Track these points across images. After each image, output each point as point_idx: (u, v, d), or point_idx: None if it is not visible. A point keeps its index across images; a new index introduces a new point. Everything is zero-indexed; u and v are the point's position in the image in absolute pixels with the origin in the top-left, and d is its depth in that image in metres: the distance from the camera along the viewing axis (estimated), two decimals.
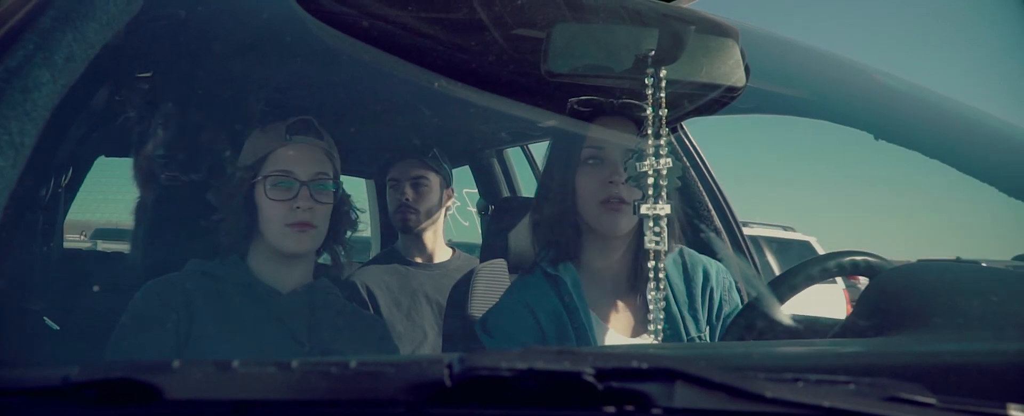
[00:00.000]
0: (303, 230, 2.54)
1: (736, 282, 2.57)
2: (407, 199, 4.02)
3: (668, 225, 2.30)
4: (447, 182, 4.14)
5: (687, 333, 2.50)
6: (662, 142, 1.77)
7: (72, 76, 1.59)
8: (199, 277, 2.55)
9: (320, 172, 2.58)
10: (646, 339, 2.47)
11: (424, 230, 4.09)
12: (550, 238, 2.59)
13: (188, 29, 2.54)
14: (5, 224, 1.43)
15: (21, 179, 1.47)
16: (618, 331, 2.49)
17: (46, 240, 3.80)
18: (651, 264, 1.85)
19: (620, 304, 2.54)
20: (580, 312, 2.47)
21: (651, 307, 2.44)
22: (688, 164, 3.66)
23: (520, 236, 2.95)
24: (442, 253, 4.18)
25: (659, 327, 2.43)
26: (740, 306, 2.52)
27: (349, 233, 2.73)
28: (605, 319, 2.52)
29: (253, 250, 2.62)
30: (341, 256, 2.80)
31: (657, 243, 1.82)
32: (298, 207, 2.52)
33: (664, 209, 1.78)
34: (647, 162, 1.77)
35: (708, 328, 2.53)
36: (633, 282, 2.54)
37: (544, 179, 2.67)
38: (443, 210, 4.14)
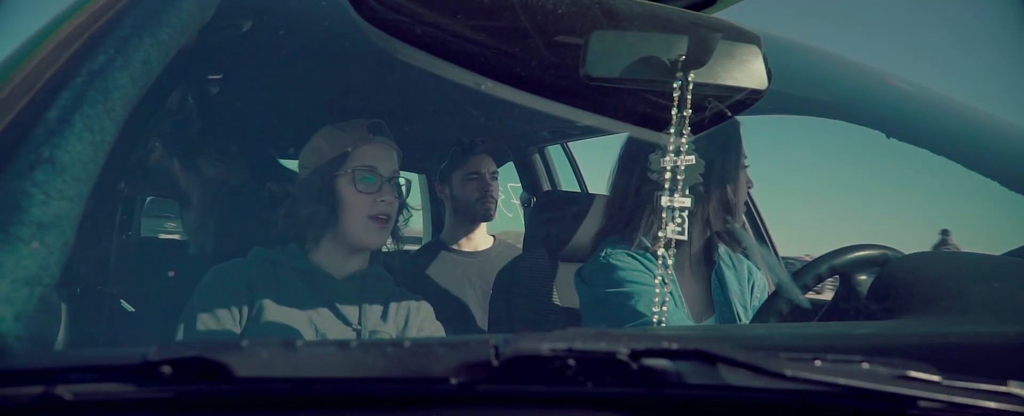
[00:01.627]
0: (384, 224, 2.57)
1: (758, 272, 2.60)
2: (490, 190, 4.10)
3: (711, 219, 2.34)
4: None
5: (741, 319, 2.57)
6: (683, 140, 1.77)
7: (149, 78, 1.60)
8: (261, 263, 2.57)
9: (396, 169, 2.61)
10: (708, 320, 2.52)
11: (494, 218, 4.16)
12: (635, 222, 2.61)
13: (254, 35, 2.55)
14: (87, 214, 1.44)
15: (102, 172, 1.49)
16: (690, 310, 2.53)
17: (124, 229, 3.83)
18: (661, 251, 1.85)
19: (686, 288, 2.57)
20: (672, 287, 2.50)
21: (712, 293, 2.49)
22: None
23: (588, 224, 2.98)
24: (486, 241, 4.21)
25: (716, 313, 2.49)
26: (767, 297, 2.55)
27: (403, 225, 2.75)
28: (679, 298, 2.56)
29: (312, 239, 2.64)
30: (395, 245, 2.82)
31: (679, 232, 1.82)
32: (382, 200, 2.55)
33: (684, 202, 1.78)
34: (670, 159, 1.78)
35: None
36: (701, 269, 2.58)
37: (624, 170, 2.70)
38: None
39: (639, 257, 2.57)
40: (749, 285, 2.66)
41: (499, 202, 4.29)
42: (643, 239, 2.59)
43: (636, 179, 2.61)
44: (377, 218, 2.56)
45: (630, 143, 2.75)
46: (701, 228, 2.59)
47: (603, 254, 2.61)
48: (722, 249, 2.66)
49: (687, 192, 1.80)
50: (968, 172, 2.16)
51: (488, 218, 4.17)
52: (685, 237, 1.85)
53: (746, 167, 2.59)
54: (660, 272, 2.50)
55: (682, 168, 1.78)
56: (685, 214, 1.83)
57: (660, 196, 1.80)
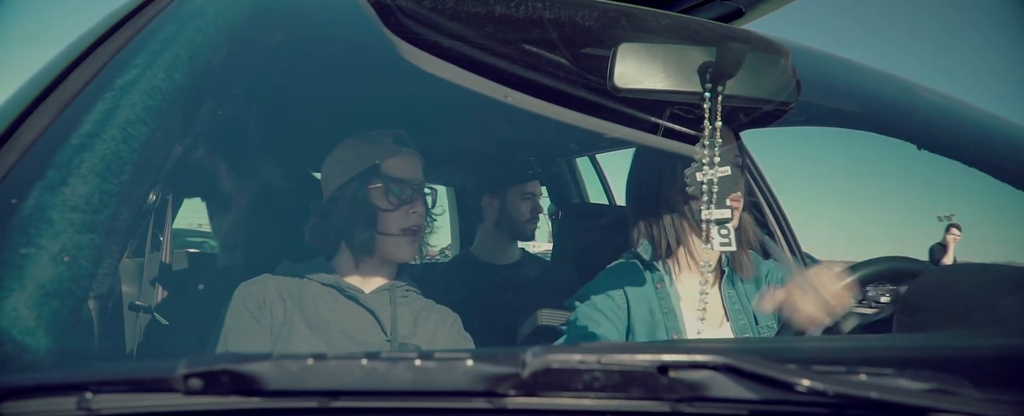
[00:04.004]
0: (416, 236, 2.58)
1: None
2: (540, 211, 4.18)
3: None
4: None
5: (758, 322, 2.55)
6: (716, 152, 1.77)
7: (180, 91, 1.61)
8: (289, 277, 2.57)
9: (422, 179, 2.62)
10: (722, 330, 2.50)
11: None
12: (649, 235, 2.62)
13: (285, 49, 2.56)
14: (118, 229, 1.45)
15: (132, 188, 1.49)
16: (697, 320, 2.51)
17: (155, 243, 3.85)
18: (708, 263, 1.85)
19: (699, 297, 2.55)
20: (670, 300, 2.50)
21: (725, 303, 2.47)
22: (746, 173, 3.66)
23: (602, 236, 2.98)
24: (515, 254, 4.22)
25: (731, 321, 2.48)
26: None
27: (428, 235, 2.75)
28: (689, 310, 2.54)
29: (339, 252, 2.64)
30: (420, 257, 2.83)
31: (726, 244, 1.81)
32: (414, 212, 2.56)
33: (724, 214, 1.77)
34: (704, 172, 1.77)
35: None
36: (712, 278, 2.56)
37: (636, 183, 2.71)
38: None
39: (628, 275, 2.59)
40: (767, 285, 2.63)
41: None
42: (650, 249, 2.60)
43: (649, 191, 2.62)
44: (410, 230, 2.56)
45: (639, 158, 2.77)
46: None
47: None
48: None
49: (726, 203, 1.80)
50: (999, 184, 2.14)
51: (530, 237, 4.21)
52: (734, 247, 1.84)
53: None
54: (702, 285, 2.51)
55: (718, 180, 1.78)
56: (729, 225, 1.82)
57: (700, 209, 1.79)
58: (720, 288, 2.58)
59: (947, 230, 10.98)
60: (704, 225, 1.82)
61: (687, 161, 2.39)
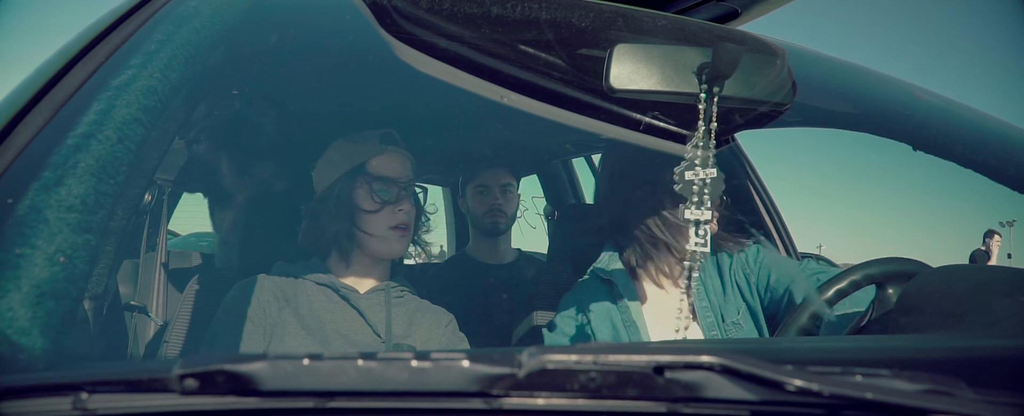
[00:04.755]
0: (404, 233, 2.59)
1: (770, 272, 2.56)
2: (498, 203, 4.09)
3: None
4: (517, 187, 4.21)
5: (723, 319, 2.54)
6: (709, 153, 1.77)
7: (176, 92, 1.61)
8: (284, 278, 2.58)
9: (411, 178, 2.63)
10: (689, 331, 2.50)
11: (504, 232, 4.15)
12: (613, 240, 2.63)
13: (281, 49, 2.56)
14: (114, 229, 1.45)
15: (127, 188, 1.49)
16: (663, 327, 2.51)
17: (151, 244, 3.85)
18: (687, 264, 1.84)
19: (665, 302, 2.56)
20: (630, 312, 2.51)
21: (689, 301, 2.48)
22: (742, 173, 3.66)
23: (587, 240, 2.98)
24: (510, 254, 4.22)
25: (698, 319, 2.49)
26: (771, 269, 2.56)
27: (423, 234, 2.76)
28: (653, 316, 2.55)
29: (334, 252, 2.65)
30: (416, 256, 2.84)
31: (701, 245, 1.81)
32: (400, 210, 2.56)
33: (707, 215, 1.77)
34: (695, 171, 1.77)
35: (745, 306, 2.57)
36: (677, 281, 2.57)
37: (603, 190, 2.72)
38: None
39: (587, 294, 2.62)
40: (733, 279, 2.62)
41: (523, 215, 4.31)
42: (615, 257, 2.61)
43: (611, 198, 2.64)
44: (397, 228, 2.57)
45: (603, 166, 2.78)
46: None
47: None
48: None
49: (709, 205, 1.80)
50: (995, 185, 2.15)
51: (496, 232, 4.17)
52: (708, 250, 1.84)
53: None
54: (665, 288, 2.52)
55: (707, 181, 1.78)
56: (707, 227, 1.82)
57: (683, 209, 1.79)
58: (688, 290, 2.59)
59: (990, 235, 10.96)
60: (685, 226, 1.82)
61: (654, 163, 2.41)
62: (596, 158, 5.52)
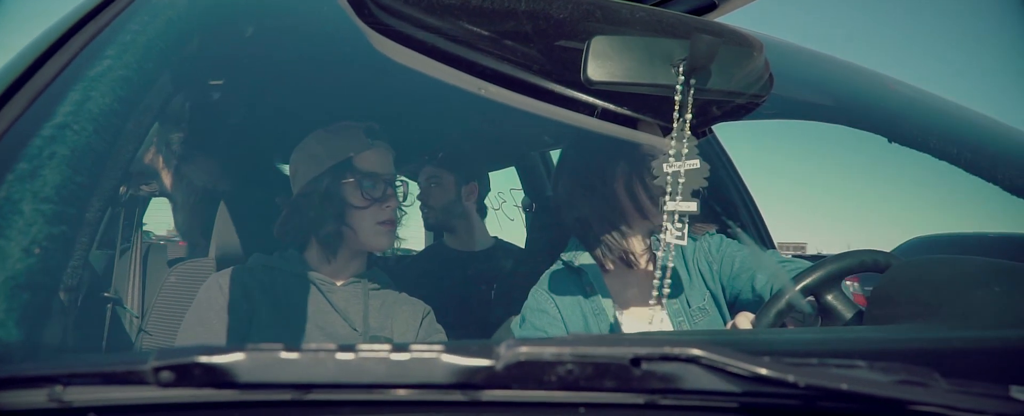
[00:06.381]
0: (391, 227, 2.58)
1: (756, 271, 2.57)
2: (424, 196, 4.12)
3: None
4: (466, 179, 4.18)
5: (689, 304, 2.55)
6: (688, 145, 1.77)
7: (150, 83, 1.61)
8: (261, 270, 2.57)
9: (394, 172, 2.62)
10: (656, 319, 2.50)
11: (453, 223, 4.15)
12: (576, 233, 2.64)
13: (256, 41, 2.55)
14: (90, 220, 1.44)
15: (103, 179, 1.49)
16: (631, 314, 2.52)
17: (126, 235, 3.83)
18: (661, 254, 1.85)
19: (631, 289, 2.57)
20: (599, 300, 2.52)
21: (657, 291, 2.48)
22: (718, 165, 3.67)
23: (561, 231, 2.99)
24: (484, 243, 4.21)
25: (665, 306, 2.49)
26: (738, 256, 2.58)
27: (400, 226, 2.76)
28: (620, 303, 2.57)
29: (310, 245, 2.64)
30: (393, 248, 2.83)
31: (679, 237, 1.81)
32: (388, 205, 2.56)
33: (690, 206, 1.77)
34: (674, 163, 1.77)
35: (709, 293, 2.58)
36: (642, 267, 2.59)
37: (562, 181, 2.73)
38: (470, 203, 4.17)
39: (556, 284, 2.62)
40: (696, 265, 2.62)
41: (501, 207, 4.32)
42: (579, 247, 2.62)
43: (575, 188, 2.66)
44: (385, 223, 2.56)
45: (564, 156, 2.78)
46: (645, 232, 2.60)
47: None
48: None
49: (690, 196, 1.80)
50: (969, 177, 2.16)
51: (427, 227, 4.33)
52: (685, 242, 1.84)
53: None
54: (631, 276, 2.53)
55: (684, 172, 1.78)
56: (685, 219, 1.82)
57: (664, 201, 1.79)
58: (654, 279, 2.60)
59: None
60: (665, 217, 1.82)
61: (616, 154, 2.42)
62: None
